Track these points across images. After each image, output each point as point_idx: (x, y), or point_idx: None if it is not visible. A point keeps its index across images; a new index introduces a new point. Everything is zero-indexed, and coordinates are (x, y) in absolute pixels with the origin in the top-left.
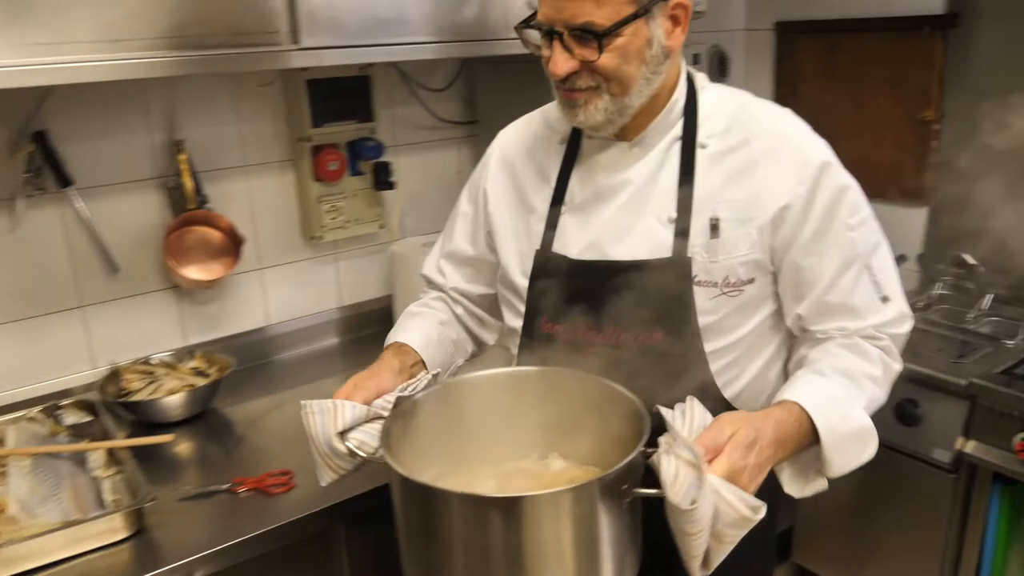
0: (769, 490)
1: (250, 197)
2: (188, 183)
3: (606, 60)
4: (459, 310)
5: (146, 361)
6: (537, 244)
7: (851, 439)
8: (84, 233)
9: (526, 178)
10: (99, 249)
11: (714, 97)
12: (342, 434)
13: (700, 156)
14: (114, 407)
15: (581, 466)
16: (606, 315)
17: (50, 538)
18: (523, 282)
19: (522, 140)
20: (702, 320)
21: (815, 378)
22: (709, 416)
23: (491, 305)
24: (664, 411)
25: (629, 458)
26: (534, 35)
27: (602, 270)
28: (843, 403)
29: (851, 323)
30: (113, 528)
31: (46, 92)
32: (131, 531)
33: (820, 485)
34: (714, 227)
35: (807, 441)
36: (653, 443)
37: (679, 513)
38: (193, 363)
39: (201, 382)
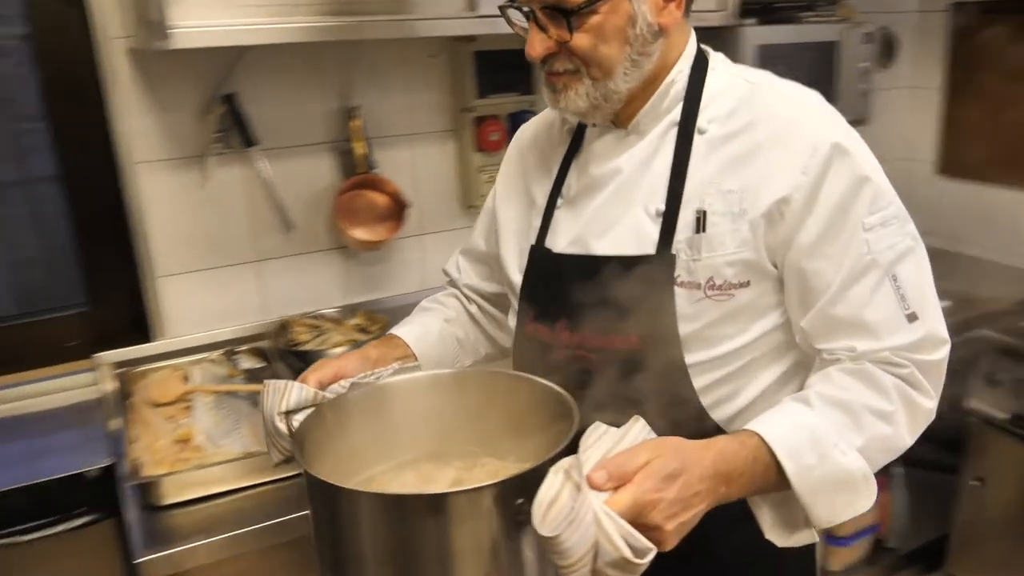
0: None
1: (414, 164)
2: (359, 148)
3: (580, 40)
4: (473, 308)
5: (313, 315)
6: (533, 239)
7: (835, 485)
8: (264, 192)
9: (533, 171)
10: (276, 207)
11: (723, 78)
12: (289, 414)
13: (698, 142)
14: (284, 355)
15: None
16: (584, 315)
17: (233, 466)
18: (518, 279)
19: (536, 131)
20: (683, 327)
21: (796, 408)
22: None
23: (507, 305)
24: (595, 426)
25: (522, 470)
26: (519, 14)
27: (583, 266)
28: (824, 440)
29: (862, 343)
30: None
31: (239, 55)
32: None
33: (807, 537)
34: (699, 220)
35: (773, 479)
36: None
37: (543, 540)
38: (356, 320)
39: (363, 338)
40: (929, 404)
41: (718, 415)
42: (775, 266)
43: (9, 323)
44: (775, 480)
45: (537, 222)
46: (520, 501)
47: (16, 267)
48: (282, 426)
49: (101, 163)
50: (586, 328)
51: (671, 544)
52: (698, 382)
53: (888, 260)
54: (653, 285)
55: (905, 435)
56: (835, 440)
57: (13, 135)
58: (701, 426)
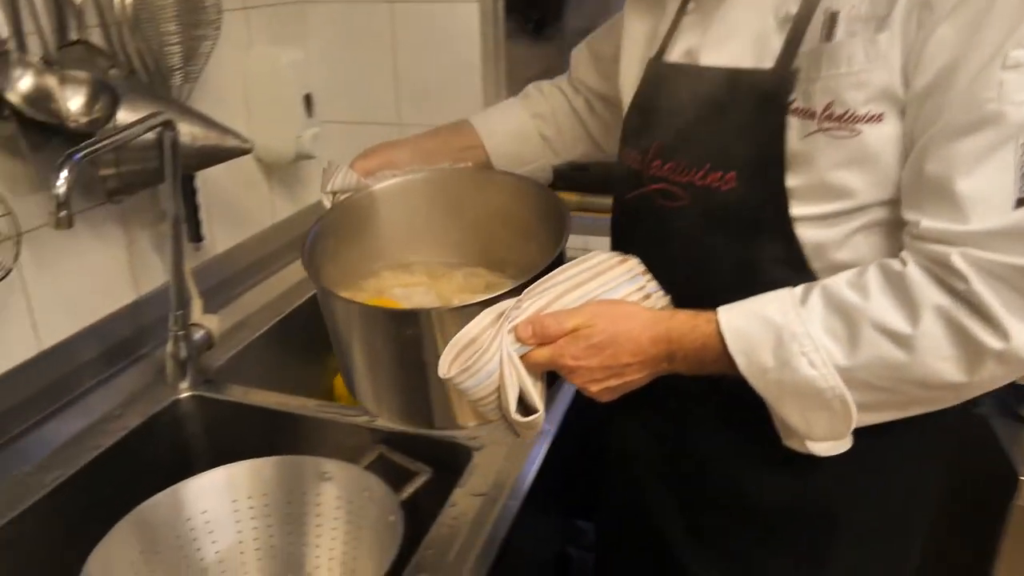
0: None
1: None
2: None
3: None
4: (579, 103)
5: None
6: (654, 50)
7: (799, 396)
8: None
9: None
10: None
11: None
12: (334, 194)
13: None
14: None
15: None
16: (679, 141)
17: None
18: (628, 94)
19: None
20: (791, 167)
21: (778, 300)
22: (648, 287)
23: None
24: (580, 259)
25: (475, 301)
26: None
27: (687, 79)
28: (789, 345)
29: (932, 220)
30: None
31: None
32: None
33: (830, 447)
34: (828, 24)
35: (727, 368)
36: None
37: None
38: None
39: None
40: (996, 343)
41: None
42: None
43: None
44: (733, 369)
45: (664, 29)
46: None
47: None
48: (327, 203)
49: None
50: (679, 157)
51: (603, 399)
52: (807, 238)
53: (1019, 119)
54: (762, 109)
55: (946, 369)
56: (806, 348)
57: None
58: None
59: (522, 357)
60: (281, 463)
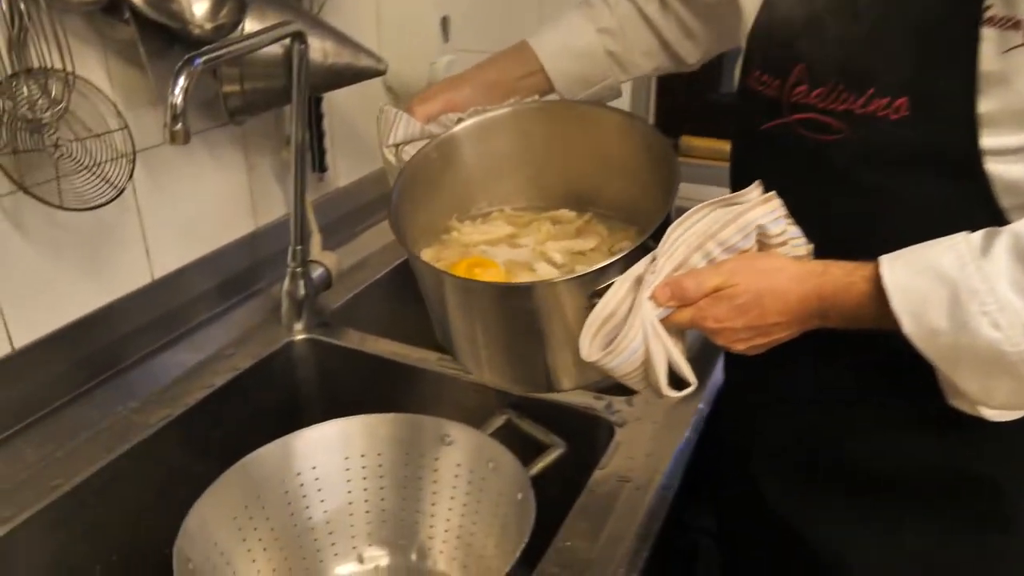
0: None
1: None
2: None
3: None
4: (651, 8)
5: None
6: None
7: (979, 362)
8: None
9: None
10: None
11: None
12: (397, 146)
13: None
14: None
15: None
16: (830, 61)
17: None
18: (755, 2)
19: None
20: (984, 89)
21: (954, 250)
22: (789, 231)
23: (707, 11)
24: (706, 206)
25: (598, 266)
26: None
27: None
28: (967, 304)
29: None
30: None
31: None
32: None
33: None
34: None
35: (892, 327)
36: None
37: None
38: None
39: None
40: None
41: None
42: None
43: None
44: (895, 328)
45: None
46: (592, 296)
47: None
48: (392, 158)
49: None
50: (831, 80)
51: (749, 355)
52: (1001, 175)
53: None
54: (946, 18)
55: None
56: (989, 306)
57: None
58: None
59: (662, 321)
60: (398, 421)
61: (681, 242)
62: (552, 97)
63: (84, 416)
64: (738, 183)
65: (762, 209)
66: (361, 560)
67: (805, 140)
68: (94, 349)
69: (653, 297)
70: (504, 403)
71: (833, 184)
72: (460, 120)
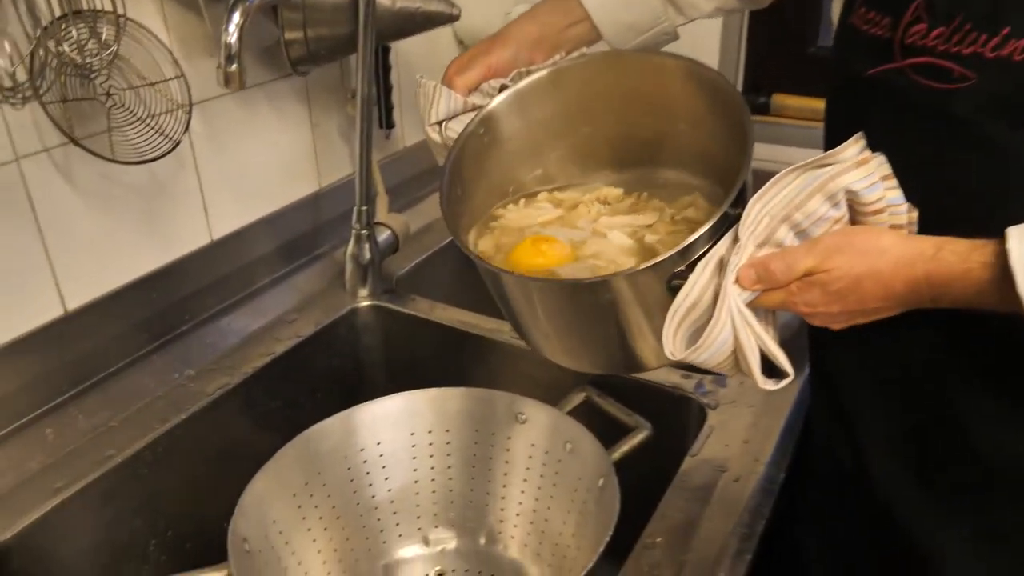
0: None
1: None
2: None
3: None
4: None
5: None
6: None
7: None
8: None
9: None
10: None
11: None
12: (441, 124)
13: None
14: None
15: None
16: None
17: None
18: None
19: None
20: None
21: None
22: (888, 197)
23: None
24: (792, 170)
25: (678, 248)
26: None
27: None
28: None
29: None
30: None
31: None
32: None
33: None
34: None
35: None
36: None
37: None
38: None
39: None
40: None
41: None
42: None
43: None
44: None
45: None
46: (672, 280)
47: None
48: (435, 136)
49: None
50: (956, 17)
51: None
52: None
53: None
54: None
55: None
56: None
57: None
58: None
59: (749, 304)
60: (469, 396)
61: (764, 214)
62: (600, 47)
63: (139, 383)
64: (833, 142)
65: (856, 173)
66: (427, 542)
67: (919, 89)
68: (150, 313)
69: (738, 281)
70: (582, 380)
71: (954, 140)
72: (503, 87)
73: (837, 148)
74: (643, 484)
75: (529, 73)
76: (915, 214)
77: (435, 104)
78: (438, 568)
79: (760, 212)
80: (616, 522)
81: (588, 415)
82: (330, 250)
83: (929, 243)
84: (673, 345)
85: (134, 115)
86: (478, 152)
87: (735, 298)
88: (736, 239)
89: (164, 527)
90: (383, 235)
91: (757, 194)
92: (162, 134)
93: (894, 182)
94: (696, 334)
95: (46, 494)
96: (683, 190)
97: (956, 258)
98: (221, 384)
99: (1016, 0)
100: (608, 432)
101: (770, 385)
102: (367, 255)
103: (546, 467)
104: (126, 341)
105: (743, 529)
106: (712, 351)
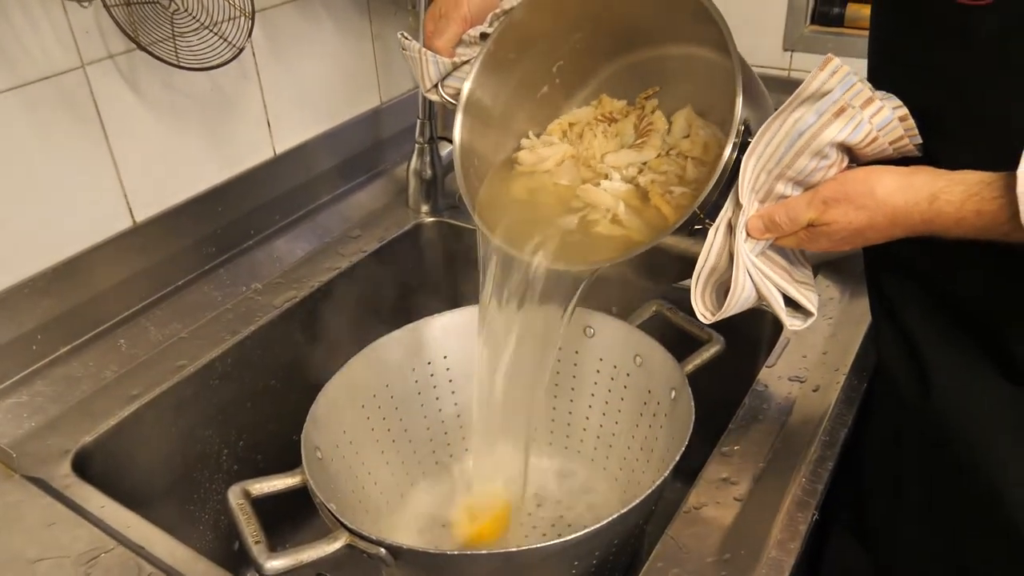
0: None
1: None
2: None
3: None
4: None
5: None
6: None
7: None
8: None
9: None
10: None
11: None
12: (437, 86)
13: None
14: None
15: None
16: None
17: None
18: None
19: None
20: None
21: None
22: (875, 124)
23: None
24: (777, 116)
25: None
26: None
27: None
28: None
29: None
30: None
31: None
32: None
33: None
34: None
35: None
36: None
37: None
38: None
39: None
40: None
41: None
42: None
43: None
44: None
45: None
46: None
47: None
48: (436, 97)
49: None
50: None
51: None
52: None
53: None
54: None
55: None
56: None
57: None
58: None
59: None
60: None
61: (760, 170)
62: None
63: (207, 296)
64: (875, 54)
65: (836, 125)
66: (492, 456)
67: (951, 5)
68: (216, 227)
69: (748, 234)
70: (653, 294)
71: (979, 61)
72: (484, 34)
73: (808, 80)
74: (717, 398)
75: (505, 13)
76: (909, 119)
77: (424, 70)
78: (503, 481)
79: (754, 169)
80: (691, 434)
81: (660, 329)
82: (392, 166)
83: (925, 192)
84: (703, 307)
85: (197, 21)
86: (480, 111)
87: (748, 256)
88: (738, 203)
89: (235, 437)
90: (446, 150)
91: (748, 149)
92: (225, 41)
93: (876, 102)
94: (722, 290)
95: (123, 401)
96: (687, 76)
97: (951, 208)
98: (288, 297)
99: None
100: (679, 346)
101: (796, 324)
102: (429, 171)
103: (615, 380)
104: (193, 254)
105: (824, 437)
106: (739, 306)
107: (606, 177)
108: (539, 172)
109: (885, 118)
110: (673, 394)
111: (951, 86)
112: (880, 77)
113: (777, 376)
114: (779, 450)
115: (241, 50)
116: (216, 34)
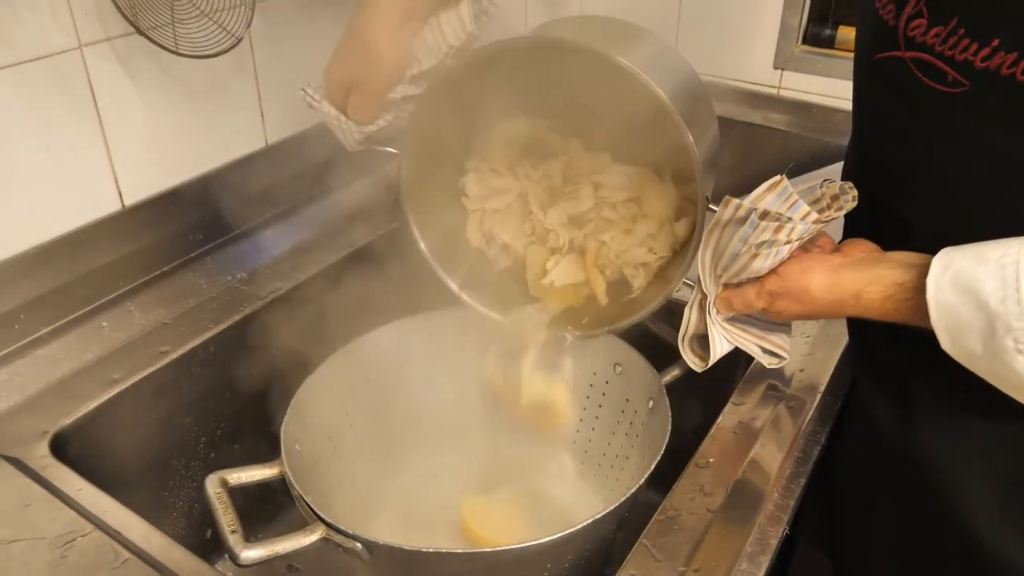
0: None
1: None
2: None
3: None
4: None
5: None
6: None
7: (1015, 389)
8: None
9: None
10: None
11: None
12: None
13: None
14: None
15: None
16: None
17: None
18: None
19: None
20: None
21: (995, 276)
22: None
23: None
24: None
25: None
26: None
27: None
28: (996, 333)
29: None
30: None
31: None
32: None
33: None
34: None
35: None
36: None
37: None
38: None
39: None
40: None
41: None
42: None
43: None
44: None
45: None
46: None
47: None
48: (363, 147)
49: None
50: (950, 19)
51: None
52: None
53: None
54: None
55: None
56: (1019, 336)
57: None
58: None
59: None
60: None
61: (712, 269)
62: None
63: (193, 283)
64: (859, 117)
65: (759, 259)
66: (469, 456)
67: (919, 86)
68: (205, 214)
69: (717, 310)
70: None
71: (951, 144)
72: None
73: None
74: (694, 410)
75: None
76: (840, 198)
77: (346, 137)
78: (478, 483)
79: (708, 267)
80: (667, 443)
81: (640, 339)
82: (383, 162)
83: (851, 290)
84: (693, 357)
85: (197, 8)
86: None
87: (721, 324)
88: (703, 293)
89: (214, 426)
90: None
91: (701, 246)
92: (224, 29)
93: (787, 227)
94: (705, 342)
95: (103, 384)
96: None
97: (874, 305)
98: (274, 289)
99: (1009, 13)
100: (659, 356)
101: (775, 363)
102: None
103: (593, 388)
104: (181, 241)
105: (798, 453)
106: (722, 355)
107: (550, 234)
108: (488, 212)
109: (800, 232)
110: (651, 403)
111: (921, 158)
112: (859, 128)
113: (754, 391)
114: (753, 464)
115: (240, 40)
116: (216, 23)
